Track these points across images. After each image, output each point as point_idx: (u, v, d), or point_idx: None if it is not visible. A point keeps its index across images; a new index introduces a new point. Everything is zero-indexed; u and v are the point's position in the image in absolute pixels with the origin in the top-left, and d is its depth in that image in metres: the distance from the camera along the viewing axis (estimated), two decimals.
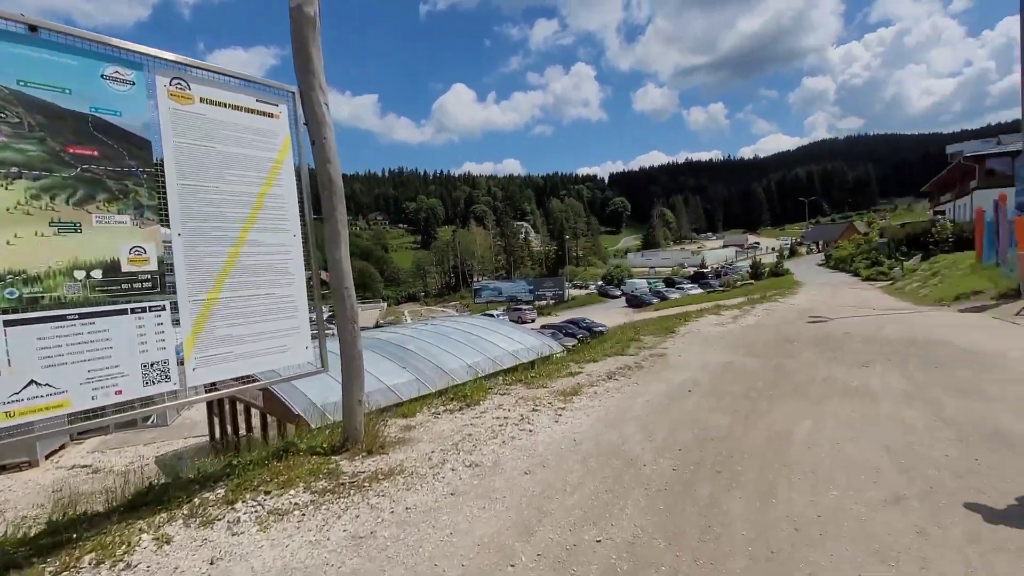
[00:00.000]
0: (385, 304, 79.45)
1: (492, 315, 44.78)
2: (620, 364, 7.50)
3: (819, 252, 63.72)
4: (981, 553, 2.54)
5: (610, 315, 37.32)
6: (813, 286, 25.56)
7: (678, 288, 51.68)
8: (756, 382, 6.16)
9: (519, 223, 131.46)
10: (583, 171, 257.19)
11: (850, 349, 7.57)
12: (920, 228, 30.57)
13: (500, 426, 4.73)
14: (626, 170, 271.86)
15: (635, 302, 45.72)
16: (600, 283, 70.25)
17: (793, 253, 68.85)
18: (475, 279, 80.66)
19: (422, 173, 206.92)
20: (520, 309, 47.38)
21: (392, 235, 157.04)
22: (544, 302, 56.46)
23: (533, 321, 42.92)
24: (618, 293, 58.33)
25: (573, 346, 28.93)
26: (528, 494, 3.36)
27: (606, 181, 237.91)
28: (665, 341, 9.17)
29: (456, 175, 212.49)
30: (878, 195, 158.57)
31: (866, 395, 5.36)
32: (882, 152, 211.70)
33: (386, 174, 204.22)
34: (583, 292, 67.79)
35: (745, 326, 10.93)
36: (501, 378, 6.94)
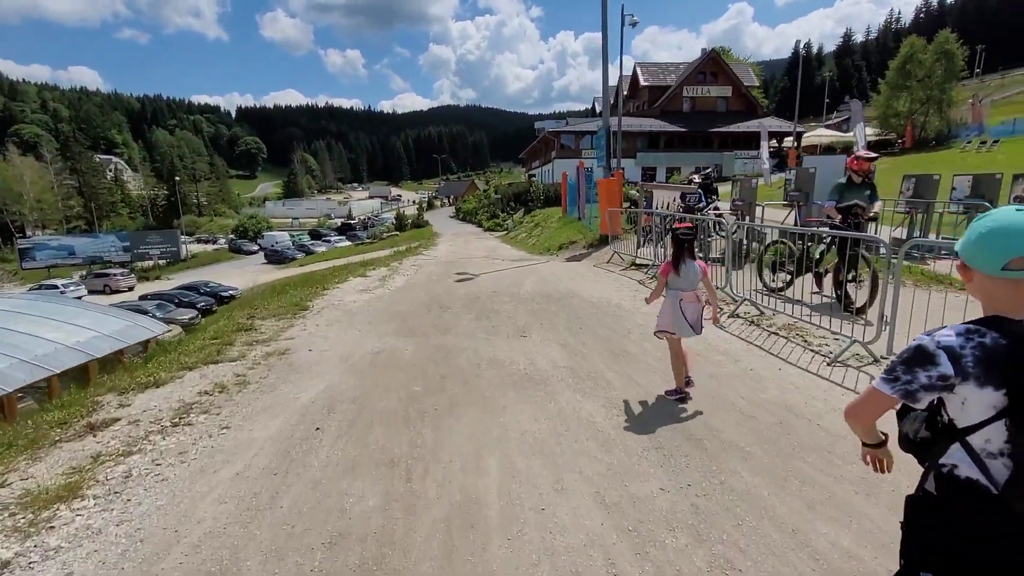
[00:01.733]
0: None
1: (56, 286, 31.12)
2: (208, 382, 4.55)
3: (451, 205, 71.33)
4: None
5: (244, 275, 31.02)
6: (449, 236, 27.26)
7: (325, 241, 48.15)
8: (415, 384, 4.44)
9: (105, 157, 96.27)
10: (201, 99, 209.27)
11: (504, 313, 6.87)
12: (522, 188, 36.84)
13: None
14: (258, 106, 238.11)
15: (276, 258, 39.89)
16: (232, 237, 59.07)
17: (431, 206, 74.97)
18: (27, 233, 54.84)
19: None
20: (107, 275, 34.40)
21: None
22: (150, 262, 43.14)
23: (130, 290, 31.86)
24: (255, 248, 50.09)
25: (192, 319, 22.49)
26: None
27: (233, 115, 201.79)
28: (293, 325, 6.57)
29: None
30: (489, 158, 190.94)
31: (539, 383, 4.34)
32: (491, 122, 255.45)
33: None
34: (210, 248, 55.56)
35: (395, 289, 9.42)
36: None
